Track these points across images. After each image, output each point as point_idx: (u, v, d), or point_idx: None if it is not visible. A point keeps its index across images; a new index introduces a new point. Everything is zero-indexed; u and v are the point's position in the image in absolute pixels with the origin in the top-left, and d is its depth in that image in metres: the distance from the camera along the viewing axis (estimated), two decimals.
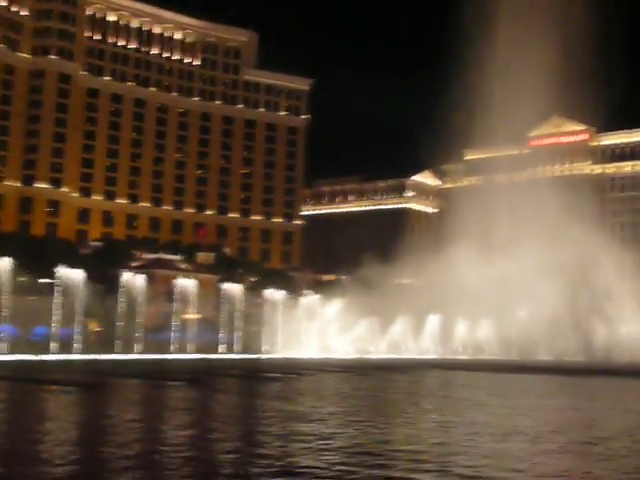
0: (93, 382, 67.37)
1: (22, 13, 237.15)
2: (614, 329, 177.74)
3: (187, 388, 65.07)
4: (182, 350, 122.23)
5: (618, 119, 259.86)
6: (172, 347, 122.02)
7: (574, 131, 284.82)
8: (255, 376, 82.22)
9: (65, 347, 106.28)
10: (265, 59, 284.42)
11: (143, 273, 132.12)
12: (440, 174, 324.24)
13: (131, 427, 38.43)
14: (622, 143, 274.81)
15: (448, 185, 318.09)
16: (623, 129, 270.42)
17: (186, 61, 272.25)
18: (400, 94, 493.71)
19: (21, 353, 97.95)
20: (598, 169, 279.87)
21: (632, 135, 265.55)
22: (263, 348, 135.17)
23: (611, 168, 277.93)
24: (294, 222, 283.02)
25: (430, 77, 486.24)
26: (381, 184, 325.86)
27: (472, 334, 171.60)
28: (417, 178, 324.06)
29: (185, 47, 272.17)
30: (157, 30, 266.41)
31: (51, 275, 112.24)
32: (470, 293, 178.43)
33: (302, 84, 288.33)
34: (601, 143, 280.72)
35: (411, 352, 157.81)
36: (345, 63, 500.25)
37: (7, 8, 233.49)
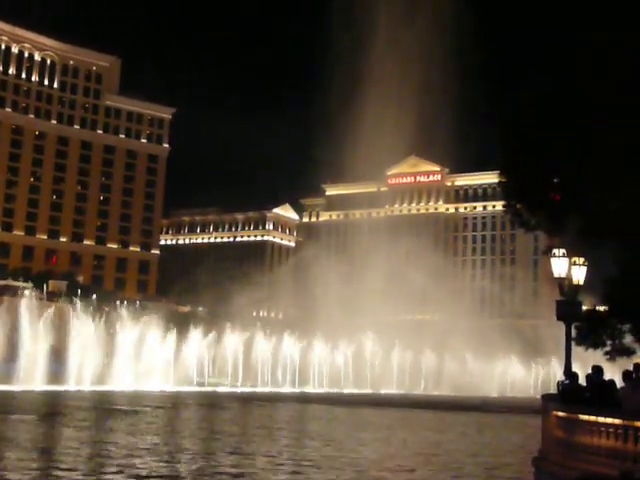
0: None
1: None
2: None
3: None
4: (29, 381, 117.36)
5: (470, 161, 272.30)
6: (18, 378, 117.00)
7: (429, 171, 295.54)
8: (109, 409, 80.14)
9: None
10: (128, 86, 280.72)
11: None
12: (300, 208, 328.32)
13: None
14: (474, 184, 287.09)
15: (307, 219, 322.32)
16: (474, 171, 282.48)
17: (45, 83, 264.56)
18: (263, 127, 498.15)
19: None
20: (452, 208, 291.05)
21: (482, 177, 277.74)
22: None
23: (462, 208, 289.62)
24: (152, 251, 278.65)
25: (293, 112, 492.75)
26: (241, 216, 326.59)
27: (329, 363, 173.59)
28: (277, 211, 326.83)
29: (44, 68, 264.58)
30: (15, 49, 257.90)
31: None
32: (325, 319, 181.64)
33: (164, 112, 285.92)
34: (455, 183, 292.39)
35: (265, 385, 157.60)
36: (207, 93, 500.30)
37: None
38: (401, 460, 46.13)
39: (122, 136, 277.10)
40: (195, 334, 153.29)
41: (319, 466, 41.19)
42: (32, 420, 63.64)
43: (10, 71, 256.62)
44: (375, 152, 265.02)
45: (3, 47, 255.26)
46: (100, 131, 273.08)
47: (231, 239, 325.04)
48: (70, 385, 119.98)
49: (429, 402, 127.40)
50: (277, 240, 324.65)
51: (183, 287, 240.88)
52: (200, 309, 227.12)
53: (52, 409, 77.86)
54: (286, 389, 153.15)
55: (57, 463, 38.34)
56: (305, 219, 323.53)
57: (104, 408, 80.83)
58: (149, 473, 36.46)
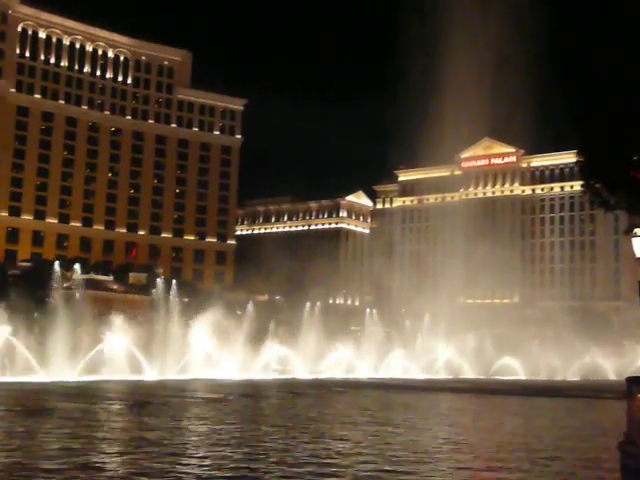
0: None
1: None
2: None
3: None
4: (114, 372, 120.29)
5: (547, 141, 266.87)
6: (104, 369, 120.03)
7: (504, 153, 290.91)
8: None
9: None
10: (199, 78, 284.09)
11: (74, 294, 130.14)
12: (374, 195, 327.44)
13: None
14: (551, 165, 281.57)
15: (381, 206, 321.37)
16: (550, 151, 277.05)
17: (119, 79, 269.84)
18: (335, 115, 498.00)
19: None
20: (528, 190, 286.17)
21: (559, 157, 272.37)
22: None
23: (539, 189, 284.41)
24: (228, 242, 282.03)
25: (366, 99, 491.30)
26: (314, 204, 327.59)
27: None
28: (351, 198, 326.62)
29: (118, 65, 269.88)
30: (89, 48, 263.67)
31: None
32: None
33: (236, 104, 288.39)
34: (531, 165, 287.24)
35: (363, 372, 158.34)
36: (280, 83, 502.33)
37: None
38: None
39: (195, 129, 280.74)
40: (271, 322, 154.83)
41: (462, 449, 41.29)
42: (125, 408, 65.33)
43: (85, 69, 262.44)
44: (448, 136, 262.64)
45: (78, 46, 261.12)
46: (174, 125, 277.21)
47: (305, 227, 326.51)
48: (153, 375, 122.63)
49: (509, 387, 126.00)
50: (351, 227, 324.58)
51: (259, 276, 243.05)
52: (277, 298, 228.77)
53: (140, 398, 79.68)
54: (365, 375, 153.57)
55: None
56: (379, 205, 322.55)
57: (194, 397, 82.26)
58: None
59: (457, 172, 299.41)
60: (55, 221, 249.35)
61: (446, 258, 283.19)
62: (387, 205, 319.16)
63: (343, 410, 71.89)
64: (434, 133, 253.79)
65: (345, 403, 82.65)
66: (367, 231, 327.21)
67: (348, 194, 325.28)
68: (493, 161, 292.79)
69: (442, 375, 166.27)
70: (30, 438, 44.17)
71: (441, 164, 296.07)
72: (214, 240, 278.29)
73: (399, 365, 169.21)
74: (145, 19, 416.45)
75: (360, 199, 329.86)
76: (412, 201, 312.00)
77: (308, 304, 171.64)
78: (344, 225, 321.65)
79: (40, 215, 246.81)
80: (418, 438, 48.56)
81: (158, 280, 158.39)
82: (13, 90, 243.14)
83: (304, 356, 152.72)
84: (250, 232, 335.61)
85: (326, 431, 51.65)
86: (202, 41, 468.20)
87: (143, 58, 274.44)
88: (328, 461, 37.22)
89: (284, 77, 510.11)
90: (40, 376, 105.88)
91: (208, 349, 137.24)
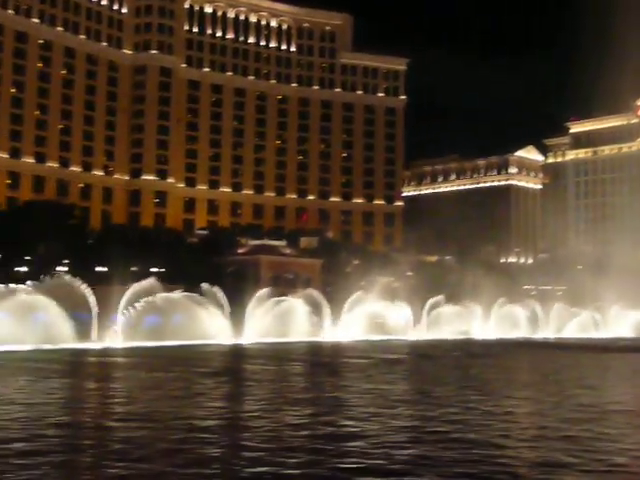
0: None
1: (123, 11, 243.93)
2: None
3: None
4: (289, 334, 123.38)
5: None
6: (282, 331, 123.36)
7: None
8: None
9: (178, 334, 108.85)
10: (361, 41, 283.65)
11: (249, 259, 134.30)
12: (544, 149, 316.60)
13: None
14: None
15: (552, 160, 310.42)
16: None
17: (283, 48, 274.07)
18: (498, 69, 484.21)
19: (136, 340, 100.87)
20: None
21: None
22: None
23: None
24: (395, 204, 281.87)
25: (534, 51, 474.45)
26: (482, 161, 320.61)
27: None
28: (520, 153, 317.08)
29: (281, 34, 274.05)
30: (253, 19, 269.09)
31: (161, 264, 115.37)
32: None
33: (399, 64, 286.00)
34: None
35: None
36: (440, 40, 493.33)
37: (109, 7, 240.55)
38: None
39: (359, 92, 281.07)
40: (437, 284, 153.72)
41: None
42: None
43: (250, 40, 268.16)
44: (622, 83, 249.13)
45: (242, 18, 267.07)
46: (338, 89, 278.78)
47: (473, 186, 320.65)
48: (333, 337, 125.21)
49: None
50: (521, 184, 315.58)
51: (428, 237, 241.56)
52: (447, 258, 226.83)
53: (320, 359, 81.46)
54: (545, 335, 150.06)
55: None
56: (550, 160, 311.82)
57: (376, 357, 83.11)
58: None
59: (634, 120, 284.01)
60: (229, 190, 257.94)
61: (625, 212, 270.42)
62: (559, 159, 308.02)
63: (525, 370, 70.45)
64: (607, 81, 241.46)
65: (527, 363, 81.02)
66: (538, 187, 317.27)
67: (517, 149, 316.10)
68: None
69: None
70: (233, 400, 45.91)
71: (616, 113, 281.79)
72: (382, 202, 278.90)
73: (582, 325, 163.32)
74: None
75: (530, 154, 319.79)
76: (586, 153, 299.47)
77: (479, 264, 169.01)
78: (514, 182, 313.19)
79: (214, 185, 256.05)
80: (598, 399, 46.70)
81: (328, 243, 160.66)
82: (184, 65, 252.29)
83: (477, 316, 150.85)
84: (418, 193, 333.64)
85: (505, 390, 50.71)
86: (361, 3, 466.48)
87: (305, 25, 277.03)
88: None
89: (446, 33, 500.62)
90: (218, 339, 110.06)
91: (384, 310, 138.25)
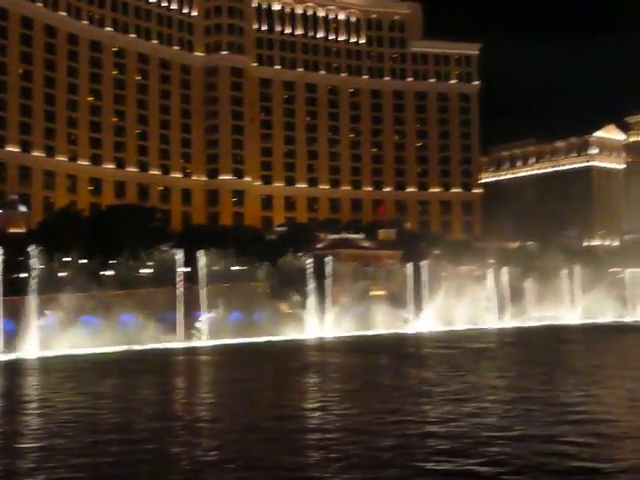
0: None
1: (193, 14, 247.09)
2: None
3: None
4: (371, 327, 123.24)
5: None
6: (364, 324, 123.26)
7: None
8: None
9: (260, 330, 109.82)
10: (431, 28, 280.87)
11: (328, 254, 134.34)
12: (626, 127, 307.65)
13: None
14: None
15: (636, 138, 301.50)
16: None
17: (352, 40, 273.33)
18: (574, 49, 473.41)
19: (221, 338, 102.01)
20: None
21: None
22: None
23: None
24: (473, 191, 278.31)
25: (607, 30, 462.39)
26: (561, 143, 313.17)
27: None
28: (600, 133, 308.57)
29: (350, 27, 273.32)
30: (321, 13, 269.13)
31: (241, 262, 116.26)
32: None
33: (471, 49, 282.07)
34: None
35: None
36: (511, 23, 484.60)
37: (179, 11, 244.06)
38: None
39: (432, 80, 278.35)
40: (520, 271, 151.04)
41: None
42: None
43: (319, 35, 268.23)
44: None
45: (310, 13, 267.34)
46: (410, 79, 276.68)
47: (553, 169, 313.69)
48: (415, 328, 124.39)
49: None
50: (603, 164, 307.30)
51: (509, 223, 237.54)
52: (529, 244, 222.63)
53: (406, 350, 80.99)
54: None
55: None
56: (633, 138, 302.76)
57: (466, 347, 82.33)
58: None
59: None
60: (305, 186, 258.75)
61: None
62: None
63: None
64: None
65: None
66: (621, 166, 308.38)
67: (597, 129, 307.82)
68: None
69: None
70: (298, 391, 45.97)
71: None
72: (459, 190, 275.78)
73: None
74: None
75: (611, 133, 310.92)
76: None
77: (562, 248, 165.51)
78: (595, 163, 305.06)
79: (290, 181, 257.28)
80: None
81: (407, 234, 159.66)
82: (255, 64, 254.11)
83: (563, 302, 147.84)
84: (496, 179, 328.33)
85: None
86: None
87: (373, 16, 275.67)
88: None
89: (520, 14, 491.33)
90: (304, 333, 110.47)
91: (461, 299, 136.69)
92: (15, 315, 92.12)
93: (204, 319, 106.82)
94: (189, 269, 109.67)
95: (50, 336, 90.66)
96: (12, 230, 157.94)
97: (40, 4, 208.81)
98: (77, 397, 46.18)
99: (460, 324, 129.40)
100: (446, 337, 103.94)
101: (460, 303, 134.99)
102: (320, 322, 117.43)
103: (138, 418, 37.43)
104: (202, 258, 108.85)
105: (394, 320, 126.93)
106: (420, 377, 53.38)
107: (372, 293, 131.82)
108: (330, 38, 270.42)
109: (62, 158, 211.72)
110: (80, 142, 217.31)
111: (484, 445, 27.65)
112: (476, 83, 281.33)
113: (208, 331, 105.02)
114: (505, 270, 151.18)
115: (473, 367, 59.86)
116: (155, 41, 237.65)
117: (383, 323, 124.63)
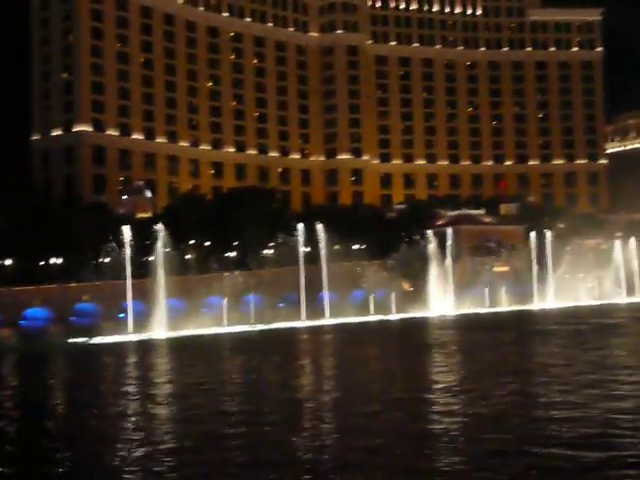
0: None
1: None
2: None
3: None
4: (495, 304, 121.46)
5: None
6: (487, 301, 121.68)
7: None
8: None
9: (381, 308, 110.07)
10: None
11: (449, 230, 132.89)
12: None
13: None
14: None
15: None
16: None
17: (468, 12, 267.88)
18: None
19: (343, 316, 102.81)
20: None
21: None
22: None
23: None
24: (599, 162, 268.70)
25: None
26: None
27: None
28: None
29: None
30: None
31: (362, 241, 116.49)
32: None
33: (592, 15, 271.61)
34: None
35: None
36: None
37: None
38: None
39: (552, 49, 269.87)
40: None
41: None
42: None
43: (434, 8, 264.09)
44: None
45: None
46: (529, 49, 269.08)
47: None
48: (535, 304, 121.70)
49: None
50: None
51: (637, 194, 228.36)
52: None
53: (531, 327, 79.38)
54: None
55: None
56: None
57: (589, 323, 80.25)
58: None
59: None
60: (423, 162, 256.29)
61: None
62: None
63: None
64: None
65: None
66: None
67: None
68: None
69: None
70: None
71: None
72: (584, 161, 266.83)
73: None
74: None
75: None
76: None
77: None
78: None
79: (409, 158, 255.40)
80: None
81: (529, 208, 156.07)
82: (370, 42, 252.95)
83: None
84: (623, 148, 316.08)
85: None
86: None
87: None
88: None
89: None
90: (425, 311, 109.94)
91: (587, 274, 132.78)
92: (144, 296, 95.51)
93: (325, 298, 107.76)
94: (309, 249, 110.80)
95: (177, 317, 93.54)
96: (139, 215, 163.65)
97: None
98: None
99: (586, 299, 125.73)
100: (573, 313, 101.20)
101: (587, 277, 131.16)
102: (442, 299, 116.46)
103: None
104: (322, 238, 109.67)
105: (518, 296, 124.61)
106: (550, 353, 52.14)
107: (495, 269, 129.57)
108: (446, 11, 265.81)
109: (184, 143, 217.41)
110: (201, 127, 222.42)
111: None
112: (599, 49, 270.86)
113: (330, 309, 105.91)
114: (633, 242, 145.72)
115: (602, 344, 58.04)
116: (270, 24, 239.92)
117: (506, 299, 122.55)
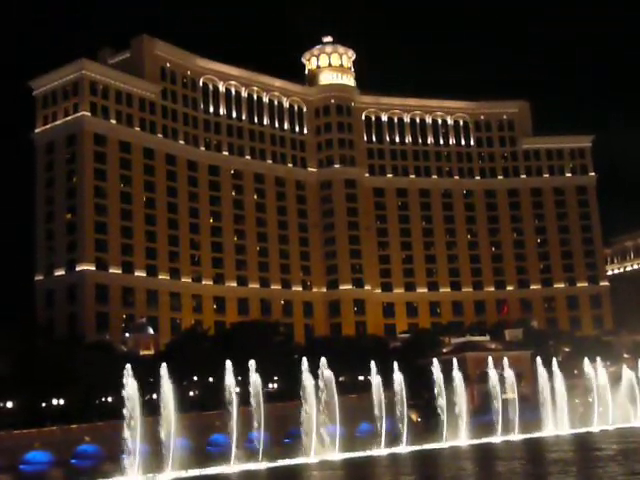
0: None
1: (304, 132, 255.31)
2: None
3: None
4: (506, 431, 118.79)
5: None
6: (498, 429, 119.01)
7: None
8: None
9: (391, 441, 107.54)
10: (540, 123, 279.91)
11: (454, 358, 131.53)
12: None
13: None
14: None
15: None
16: None
17: (462, 143, 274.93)
18: None
19: (348, 451, 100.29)
20: None
21: None
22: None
23: None
24: (601, 284, 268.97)
25: None
26: None
27: None
28: None
29: (458, 130, 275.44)
30: (429, 120, 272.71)
31: (366, 372, 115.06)
32: None
33: (583, 142, 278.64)
34: None
35: None
36: (621, 111, 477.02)
37: (291, 130, 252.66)
38: None
39: (546, 175, 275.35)
40: None
41: None
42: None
43: (429, 141, 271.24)
44: None
45: (418, 120, 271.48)
46: (523, 176, 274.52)
47: None
48: (547, 431, 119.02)
49: None
50: None
51: None
52: None
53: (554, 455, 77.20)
54: None
55: None
56: None
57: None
58: None
59: None
60: (425, 290, 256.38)
61: None
62: None
63: None
64: None
65: None
66: None
67: None
68: None
69: None
70: None
71: None
72: (585, 284, 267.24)
73: None
74: (474, 83, 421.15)
75: None
76: None
77: None
78: None
79: (410, 287, 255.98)
80: None
81: (534, 333, 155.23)
82: (367, 175, 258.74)
83: None
84: (622, 270, 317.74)
85: None
86: (536, 86, 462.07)
87: (482, 118, 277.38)
88: None
89: (629, 102, 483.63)
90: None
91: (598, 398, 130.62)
92: (148, 436, 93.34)
93: (334, 432, 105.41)
94: (313, 382, 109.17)
95: (182, 456, 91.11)
96: (142, 352, 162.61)
97: (160, 135, 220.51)
98: None
99: (599, 424, 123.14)
100: (594, 439, 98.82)
101: (597, 401, 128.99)
102: (453, 429, 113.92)
103: None
104: (327, 371, 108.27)
105: (529, 423, 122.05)
106: None
107: (504, 396, 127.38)
108: (440, 143, 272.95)
109: (186, 279, 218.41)
110: (203, 263, 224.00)
111: None
112: (592, 174, 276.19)
113: (338, 444, 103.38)
114: None
115: None
116: (269, 161, 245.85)
117: (519, 426, 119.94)
